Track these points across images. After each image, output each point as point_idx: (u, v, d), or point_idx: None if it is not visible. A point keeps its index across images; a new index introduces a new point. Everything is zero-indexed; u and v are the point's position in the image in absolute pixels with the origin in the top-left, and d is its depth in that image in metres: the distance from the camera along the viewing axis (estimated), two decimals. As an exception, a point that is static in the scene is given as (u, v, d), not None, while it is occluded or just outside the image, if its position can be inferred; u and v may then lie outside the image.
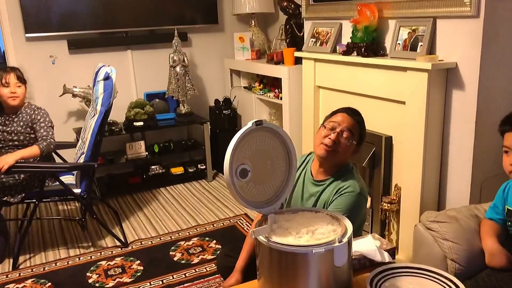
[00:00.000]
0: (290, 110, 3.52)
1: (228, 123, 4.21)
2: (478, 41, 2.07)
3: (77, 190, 2.89)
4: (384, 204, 2.56)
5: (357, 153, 1.87)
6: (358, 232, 1.80)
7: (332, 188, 1.79)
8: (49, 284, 2.60)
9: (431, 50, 2.30)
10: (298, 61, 3.40)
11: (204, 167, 4.20)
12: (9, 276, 2.69)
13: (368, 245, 1.52)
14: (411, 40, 2.37)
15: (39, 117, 2.91)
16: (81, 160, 2.92)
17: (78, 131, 3.63)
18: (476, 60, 2.09)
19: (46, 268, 2.76)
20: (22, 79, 2.95)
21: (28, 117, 2.92)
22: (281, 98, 3.64)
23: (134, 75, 4.15)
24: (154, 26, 4.12)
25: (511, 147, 1.59)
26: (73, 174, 3.08)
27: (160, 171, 4.11)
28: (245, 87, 4.35)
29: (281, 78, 3.56)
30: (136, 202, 3.74)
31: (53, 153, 3.12)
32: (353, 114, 1.86)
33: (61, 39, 3.81)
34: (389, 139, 2.57)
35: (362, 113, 1.89)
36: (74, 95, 3.76)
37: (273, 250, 1.25)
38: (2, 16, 3.64)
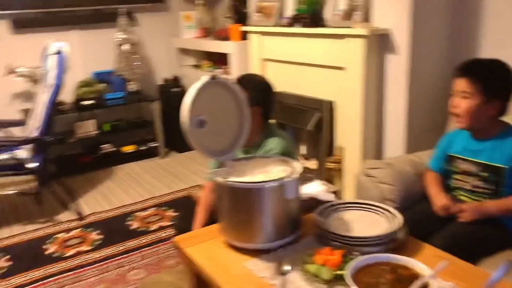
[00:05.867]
0: (239, 84, 3.63)
1: (177, 101, 4.24)
2: (408, 8, 2.27)
3: (32, 165, 2.89)
4: (329, 164, 2.76)
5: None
6: None
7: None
8: (8, 256, 2.61)
9: (366, 18, 2.50)
10: (245, 37, 3.52)
11: (156, 145, 4.25)
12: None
13: (316, 188, 1.69)
14: (349, 10, 2.56)
15: None
16: (34, 135, 2.92)
17: (25, 112, 3.59)
18: (407, 26, 2.30)
19: (1, 243, 2.76)
20: None
21: None
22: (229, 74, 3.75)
23: (80, 54, 4.11)
24: (98, 5, 4.09)
25: (454, 91, 1.71)
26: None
27: (111, 149, 4.12)
28: (193, 66, 4.43)
29: (228, 54, 3.67)
30: (89, 181, 3.75)
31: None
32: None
33: (0, 19, 3.72)
34: (331, 104, 2.76)
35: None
36: (20, 75, 3.69)
37: (231, 189, 1.38)
38: None
